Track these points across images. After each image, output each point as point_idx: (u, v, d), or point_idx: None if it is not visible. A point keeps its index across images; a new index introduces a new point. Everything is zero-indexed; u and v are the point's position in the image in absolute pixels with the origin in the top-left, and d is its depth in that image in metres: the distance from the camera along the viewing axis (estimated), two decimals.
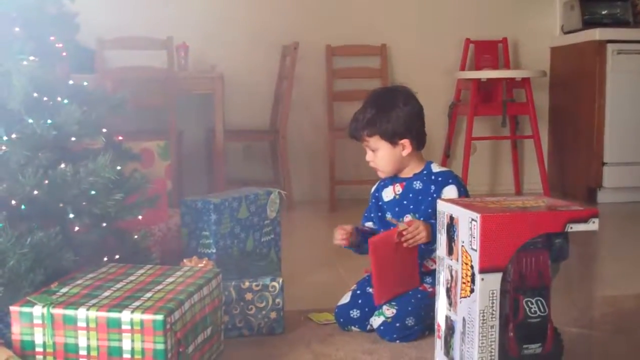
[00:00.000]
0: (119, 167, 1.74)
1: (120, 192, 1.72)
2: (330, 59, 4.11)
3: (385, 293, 1.78)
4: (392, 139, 1.86)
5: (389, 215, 1.90)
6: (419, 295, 1.81)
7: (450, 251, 1.46)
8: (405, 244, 1.74)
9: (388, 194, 1.92)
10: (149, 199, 1.85)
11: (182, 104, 3.70)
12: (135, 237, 1.87)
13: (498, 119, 4.02)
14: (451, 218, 1.45)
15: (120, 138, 1.91)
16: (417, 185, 1.87)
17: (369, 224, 1.97)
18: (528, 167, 4.31)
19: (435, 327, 1.53)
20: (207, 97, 3.79)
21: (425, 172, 1.89)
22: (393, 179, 1.93)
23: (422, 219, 1.82)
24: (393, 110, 1.85)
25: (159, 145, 2.34)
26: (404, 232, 1.73)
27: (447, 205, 1.48)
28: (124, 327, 1.42)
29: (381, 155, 1.87)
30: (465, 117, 4.01)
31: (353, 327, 1.86)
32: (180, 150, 3.68)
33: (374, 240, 1.71)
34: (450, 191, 1.83)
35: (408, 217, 1.86)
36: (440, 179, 1.86)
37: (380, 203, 1.93)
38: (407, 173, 1.90)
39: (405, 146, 1.87)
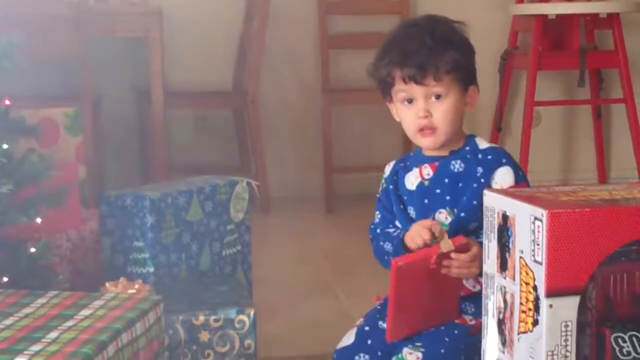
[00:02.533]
0: (5, 146, 1.74)
1: (8, 183, 1.72)
2: None
3: (402, 328, 1.79)
4: (465, 80, 1.84)
5: (412, 211, 1.89)
6: (456, 331, 1.82)
7: (503, 266, 1.46)
8: (444, 270, 1.73)
9: (412, 180, 1.91)
10: (52, 193, 1.85)
11: (101, 54, 3.69)
12: (32, 250, 1.87)
13: (573, 75, 4.03)
14: (504, 217, 1.45)
15: (8, 103, 1.90)
16: (457, 166, 1.86)
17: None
18: (617, 143, 4.34)
19: None
20: (138, 44, 3.78)
21: (467, 147, 1.88)
22: (419, 159, 1.92)
23: (462, 214, 1.82)
24: (457, 40, 1.84)
25: (66, 113, 2.34)
26: (453, 257, 1.72)
27: (497, 199, 1.48)
28: None
29: (448, 104, 1.82)
30: (524, 73, 4.02)
31: None
32: (99, 121, 3.68)
33: (401, 263, 1.70)
34: (505, 175, 1.82)
35: (442, 214, 1.85)
36: (489, 157, 1.85)
37: (399, 193, 1.92)
38: (442, 150, 1.89)
39: (472, 97, 1.87)
